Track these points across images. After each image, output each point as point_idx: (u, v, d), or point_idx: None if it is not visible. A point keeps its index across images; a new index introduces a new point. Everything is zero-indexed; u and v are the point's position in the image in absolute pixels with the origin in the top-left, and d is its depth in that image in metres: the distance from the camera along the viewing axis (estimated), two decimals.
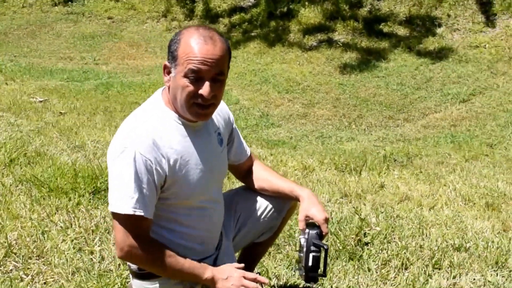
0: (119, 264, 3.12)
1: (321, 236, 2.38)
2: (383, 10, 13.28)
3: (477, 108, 9.25)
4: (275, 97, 10.27)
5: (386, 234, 3.82)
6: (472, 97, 9.68)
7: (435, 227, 4.13)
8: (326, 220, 2.39)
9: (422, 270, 3.31)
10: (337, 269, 3.25)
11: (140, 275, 2.34)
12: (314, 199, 2.44)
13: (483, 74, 10.48)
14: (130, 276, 2.43)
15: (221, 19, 14.58)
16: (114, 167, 2.14)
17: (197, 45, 2.11)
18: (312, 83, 10.87)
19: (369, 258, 3.42)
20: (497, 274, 3.29)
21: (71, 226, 3.54)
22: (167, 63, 2.21)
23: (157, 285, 2.31)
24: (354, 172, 6.04)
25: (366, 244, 3.61)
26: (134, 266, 2.35)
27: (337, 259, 3.38)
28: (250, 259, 2.69)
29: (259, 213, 2.58)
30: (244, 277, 2.20)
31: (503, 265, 3.41)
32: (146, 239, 2.15)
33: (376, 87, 10.49)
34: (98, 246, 3.32)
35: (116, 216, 2.15)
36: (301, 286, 3.05)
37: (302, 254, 2.38)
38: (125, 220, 2.12)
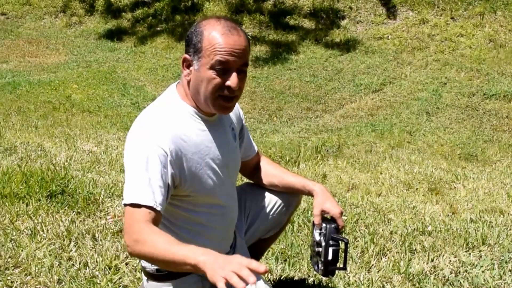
0: (106, 269, 3.00)
1: (337, 229, 2.39)
2: (287, 3, 13.46)
3: (389, 97, 9.59)
4: None
5: (352, 223, 3.89)
6: (383, 87, 10.02)
7: (391, 213, 4.25)
8: (341, 214, 2.41)
9: (400, 255, 3.40)
10: None
11: (158, 277, 2.26)
12: (328, 194, 2.44)
13: (390, 65, 10.87)
14: (144, 278, 2.34)
15: (123, 14, 14.25)
16: (132, 161, 2.04)
17: (223, 36, 2.06)
18: None
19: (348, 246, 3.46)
20: (469, 255, 3.44)
21: (39, 233, 3.36)
22: (187, 56, 2.13)
23: (177, 286, 2.24)
24: (291, 164, 6.12)
25: None
26: (151, 268, 2.26)
27: None
28: (255, 256, 2.66)
29: (268, 209, 2.55)
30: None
31: (473, 245, 3.57)
32: (152, 229, 2.00)
33: (290, 79, 10.63)
34: (75, 252, 3.17)
35: (126, 208, 2.03)
36: (295, 278, 3.06)
37: (320, 249, 2.38)
38: (134, 211, 1.97)
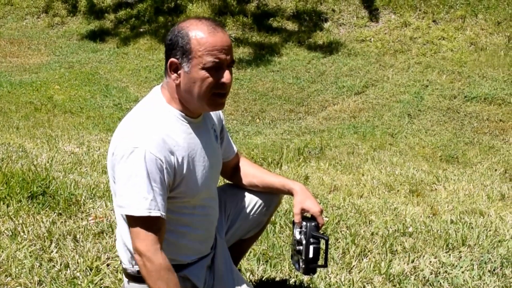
0: (87, 270, 2.99)
1: (318, 228, 2.40)
2: (270, 6, 13.50)
3: (372, 99, 9.64)
4: None
5: (334, 224, 3.91)
6: (366, 89, 10.08)
7: (373, 215, 4.27)
8: (321, 212, 2.42)
9: (381, 256, 3.42)
10: None
11: (139, 279, 2.24)
12: (308, 192, 2.46)
13: (373, 67, 10.94)
14: (125, 279, 2.34)
15: (106, 14, 14.22)
16: (124, 168, 2.04)
17: (210, 35, 2.06)
18: None
19: (329, 248, 3.48)
20: (449, 255, 3.47)
21: (20, 234, 3.34)
22: (174, 59, 2.12)
23: None
24: (273, 165, 6.14)
25: None
26: (132, 269, 2.26)
27: None
28: (236, 256, 2.66)
29: (248, 209, 2.56)
30: None
31: (452, 246, 3.60)
32: (158, 248, 2.08)
33: (273, 81, 10.65)
34: (56, 253, 3.16)
35: (131, 219, 2.06)
36: (277, 279, 3.07)
37: (301, 247, 2.39)
38: (141, 222, 2.03)
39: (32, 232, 3.38)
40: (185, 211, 2.22)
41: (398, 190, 5.21)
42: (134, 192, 2.02)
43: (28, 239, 3.29)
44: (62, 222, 3.58)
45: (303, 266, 2.40)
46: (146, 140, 2.05)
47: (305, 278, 3.07)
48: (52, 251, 3.18)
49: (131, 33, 13.34)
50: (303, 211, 2.43)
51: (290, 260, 3.10)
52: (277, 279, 3.06)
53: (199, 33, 2.07)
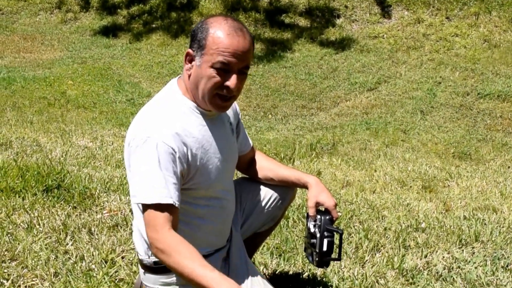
0: (102, 262, 3.02)
1: (332, 221, 2.41)
2: (282, 2, 13.49)
3: (384, 96, 9.63)
4: None
5: (347, 219, 3.92)
6: (378, 86, 10.06)
7: (385, 210, 4.28)
8: (336, 206, 2.43)
9: (394, 251, 3.43)
10: None
11: (155, 269, 2.27)
12: (322, 186, 2.47)
13: (386, 63, 10.91)
14: (141, 271, 2.36)
15: (119, 10, 14.26)
16: (137, 157, 2.06)
17: (228, 37, 2.06)
18: None
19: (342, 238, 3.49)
20: (462, 251, 3.47)
21: (36, 226, 3.37)
22: (190, 50, 2.14)
23: (174, 278, 2.26)
24: (286, 161, 6.15)
25: None
26: (149, 260, 2.28)
27: None
28: (251, 249, 2.67)
29: (264, 203, 2.57)
30: None
31: (466, 242, 3.60)
32: (176, 232, 2.07)
33: (285, 77, 10.66)
34: (72, 245, 3.18)
35: (144, 207, 2.07)
36: (290, 272, 3.08)
37: (314, 240, 2.40)
38: (154, 210, 2.04)
39: (47, 225, 3.41)
40: (200, 202, 2.23)
41: (410, 186, 5.21)
42: (145, 180, 2.03)
43: (44, 231, 3.32)
44: (77, 215, 3.61)
45: (317, 259, 2.41)
46: (160, 130, 2.06)
47: (318, 271, 3.08)
48: (67, 244, 3.21)
49: (144, 28, 13.38)
50: (317, 204, 2.44)
51: (303, 253, 3.11)
52: (291, 272, 3.08)
53: (218, 32, 2.08)
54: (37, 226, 3.39)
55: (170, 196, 2.04)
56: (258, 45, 12.15)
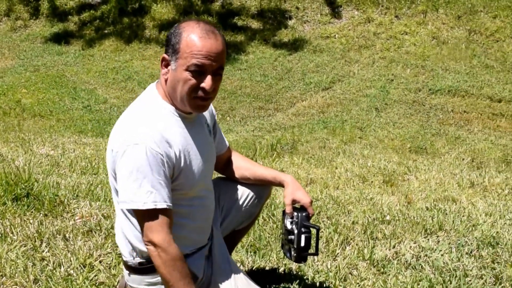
0: (80, 267, 3.05)
1: (308, 217, 2.51)
2: (234, 5, 13.59)
3: (339, 95, 9.81)
4: None
5: (315, 215, 4.02)
6: (333, 85, 10.25)
7: (350, 205, 4.40)
8: (311, 203, 2.53)
9: (363, 243, 3.55)
10: None
11: (141, 270, 2.33)
12: (298, 184, 2.56)
13: (339, 63, 11.12)
14: (125, 272, 2.41)
15: (70, 17, 14.13)
16: (125, 164, 2.11)
17: (200, 40, 2.14)
18: None
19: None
20: (428, 240, 3.61)
21: (9, 235, 3.38)
22: (166, 55, 2.21)
23: (159, 278, 2.31)
24: None
25: None
26: (133, 261, 2.33)
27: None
28: (229, 246, 2.74)
29: (241, 201, 2.65)
30: None
31: (431, 231, 3.75)
32: (170, 238, 2.17)
33: (241, 79, 10.75)
34: (48, 252, 3.20)
35: (139, 213, 2.13)
36: (266, 268, 3.17)
37: (292, 236, 2.49)
38: (150, 215, 2.11)
39: (21, 233, 3.41)
40: (183, 203, 2.30)
41: (372, 181, 5.35)
42: (138, 186, 2.10)
43: (18, 240, 3.33)
44: (49, 222, 3.62)
45: (295, 254, 2.50)
46: (146, 136, 2.12)
47: (294, 266, 3.18)
48: (43, 251, 3.22)
49: (96, 34, 13.30)
50: (294, 201, 2.53)
51: (280, 250, 3.21)
52: (267, 268, 3.16)
53: (190, 35, 2.15)
54: (11, 235, 3.39)
55: (164, 200, 2.12)
56: None
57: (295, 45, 12.05)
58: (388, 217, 4.08)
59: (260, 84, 10.46)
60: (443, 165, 6.20)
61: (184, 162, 2.23)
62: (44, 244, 3.30)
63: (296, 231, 2.48)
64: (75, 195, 4.19)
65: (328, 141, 7.44)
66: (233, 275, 2.47)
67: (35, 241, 3.32)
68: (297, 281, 2.98)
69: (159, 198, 2.11)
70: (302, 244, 2.48)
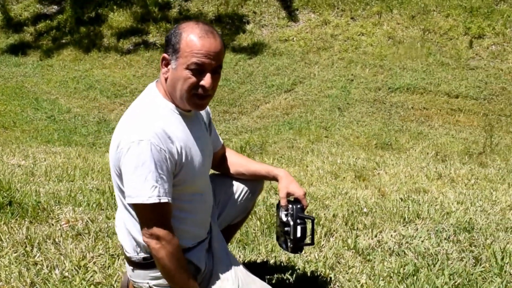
0: (75, 269, 3.09)
1: (303, 209, 2.62)
2: (192, 10, 13.65)
3: (301, 96, 9.97)
4: (105, 102, 10.19)
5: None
6: (294, 87, 10.41)
7: (327, 200, 4.53)
8: (305, 195, 2.65)
9: (347, 233, 3.68)
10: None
11: (144, 265, 2.40)
12: (291, 177, 2.68)
13: (299, 65, 11.28)
14: (129, 268, 2.47)
15: (25, 27, 13.95)
16: (130, 160, 2.19)
17: (200, 39, 2.23)
18: (139, 85, 10.91)
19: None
20: (407, 228, 3.77)
21: None
22: (166, 55, 2.29)
23: None
24: None
25: None
26: (137, 256, 2.40)
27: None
28: (226, 240, 2.84)
29: (236, 196, 2.75)
30: None
31: (409, 220, 3.91)
32: (172, 231, 2.26)
33: None
34: (40, 257, 3.24)
35: (141, 207, 2.20)
36: (258, 261, 3.26)
37: (288, 228, 2.60)
38: (152, 210, 2.19)
39: (10, 239, 3.44)
40: (184, 197, 2.38)
41: (344, 177, 5.50)
42: (143, 181, 2.18)
43: (8, 246, 3.35)
44: (36, 228, 3.65)
45: (291, 245, 2.60)
46: (150, 132, 2.20)
47: (284, 258, 3.29)
48: (35, 255, 3.26)
49: (53, 45, 13.17)
50: (288, 194, 2.64)
51: (267, 243, 3.32)
52: (258, 261, 3.27)
53: (190, 35, 2.24)
54: (0, 242, 3.42)
55: (166, 194, 2.21)
56: None
57: (255, 49, 12.17)
58: (365, 210, 4.22)
59: (223, 88, 10.53)
60: (410, 159, 6.40)
61: (185, 157, 2.32)
62: (35, 249, 3.33)
63: (292, 223, 2.59)
64: (56, 201, 4.22)
65: (295, 141, 7.58)
66: (233, 267, 2.56)
67: (26, 247, 3.35)
68: (289, 271, 3.09)
69: (162, 193, 2.19)
70: (298, 235, 2.59)
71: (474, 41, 11.43)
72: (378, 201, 4.50)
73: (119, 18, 13.55)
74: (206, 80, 2.26)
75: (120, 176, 2.29)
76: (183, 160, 2.31)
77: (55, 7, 14.45)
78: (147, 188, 2.18)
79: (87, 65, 11.97)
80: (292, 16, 13.24)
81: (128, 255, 2.46)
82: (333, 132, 8.15)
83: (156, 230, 2.23)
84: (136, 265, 2.45)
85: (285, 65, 11.32)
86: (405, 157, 6.50)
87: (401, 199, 4.49)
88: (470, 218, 4.00)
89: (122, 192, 2.34)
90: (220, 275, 2.52)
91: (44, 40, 13.40)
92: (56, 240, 3.46)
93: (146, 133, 2.20)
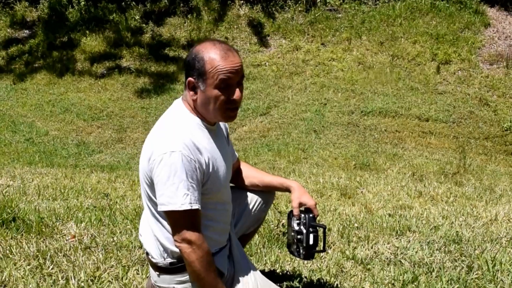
0: (89, 280, 3.21)
1: (315, 218, 2.81)
2: (164, 36, 13.84)
3: (277, 119, 10.20)
4: (82, 125, 10.27)
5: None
6: (270, 110, 10.63)
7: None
8: (316, 205, 2.84)
9: (344, 245, 3.87)
10: (281, 252, 3.67)
11: (171, 270, 2.56)
12: (303, 188, 2.87)
13: (272, 89, 11.53)
14: (154, 274, 2.62)
15: None
16: (163, 170, 2.35)
17: (222, 57, 2.41)
18: (115, 109, 11.03)
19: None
20: (400, 240, 3.97)
21: (9, 256, 3.49)
22: (191, 79, 2.46)
23: (188, 276, 2.55)
24: None
25: (284, 233, 4.07)
26: (164, 262, 2.55)
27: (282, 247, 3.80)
28: None
29: (250, 206, 2.92)
30: None
31: (401, 233, 4.12)
32: (202, 236, 2.42)
33: None
34: (54, 269, 3.34)
35: (174, 214, 2.36)
36: (266, 270, 3.42)
37: (301, 236, 2.78)
38: (184, 216, 2.35)
39: (21, 253, 3.53)
40: (209, 206, 2.55)
41: (329, 195, 5.70)
42: (175, 190, 2.34)
43: (21, 259, 3.45)
44: (44, 242, 3.75)
45: (304, 252, 2.79)
46: (181, 144, 2.37)
47: (289, 268, 3.45)
48: (49, 267, 3.36)
49: (26, 69, 13.19)
50: (300, 205, 2.83)
51: (275, 252, 3.49)
52: (266, 270, 3.42)
53: (212, 56, 2.42)
54: (11, 256, 3.51)
55: (197, 202, 2.38)
56: (146, 79, 12.40)
57: None
58: (356, 225, 4.42)
59: None
60: (389, 179, 6.63)
61: (212, 168, 2.49)
62: (48, 262, 3.43)
63: (305, 231, 2.78)
64: (57, 218, 4.32)
65: (276, 162, 7.77)
66: (252, 272, 2.73)
67: (39, 259, 3.45)
68: (297, 279, 3.25)
69: (193, 200, 2.36)
70: (311, 242, 2.78)
71: (441, 66, 11.85)
72: (367, 216, 4.70)
73: (92, 42, 13.64)
74: (237, 94, 2.45)
75: (150, 186, 2.45)
76: (210, 170, 2.48)
77: (27, 31, 14.48)
78: (180, 196, 2.34)
79: (61, 89, 12.02)
80: (263, 41, 13.53)
81: (154, 261, 2.61)
82: (311, 153, 8.37)
83: (188, 235, 2.39)
84: (163, 270, 2.59)
85: (259, 89, 11.55)
86: (384, 177, 6.73)
87: (389, 215, 4.70)
88: (457, 231, 4.23)
89: (151, 200, 2.50)
90: (241, 279, 2.68)
91: (17, 64, 13.41)
92: (67, 253, 3.57)
93: (177, 145, 2.37)
